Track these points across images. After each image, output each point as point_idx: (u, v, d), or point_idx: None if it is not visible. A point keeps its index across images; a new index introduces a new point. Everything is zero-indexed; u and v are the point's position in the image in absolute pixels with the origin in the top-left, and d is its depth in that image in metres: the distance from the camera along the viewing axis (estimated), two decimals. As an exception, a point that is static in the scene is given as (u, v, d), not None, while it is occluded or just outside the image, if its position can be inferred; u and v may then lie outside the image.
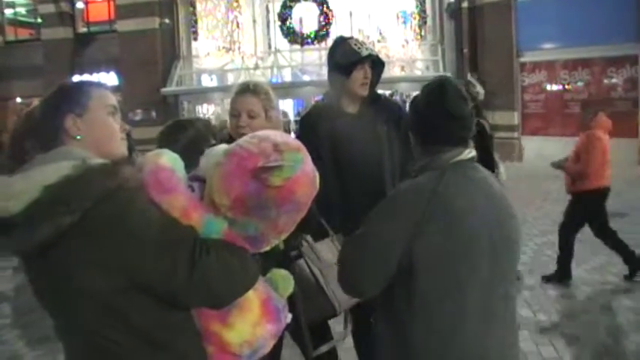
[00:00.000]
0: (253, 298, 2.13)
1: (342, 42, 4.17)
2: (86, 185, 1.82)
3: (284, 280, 2.33)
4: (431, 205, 2.40)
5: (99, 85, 2.15)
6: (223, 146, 2.16)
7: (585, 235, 10.03)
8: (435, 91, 2.61)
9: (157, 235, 1.87)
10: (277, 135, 2.08)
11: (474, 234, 2.45)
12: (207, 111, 26.13)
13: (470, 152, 2.60)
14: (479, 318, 2.47)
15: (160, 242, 1.86)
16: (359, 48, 4.03)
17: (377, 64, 4.15)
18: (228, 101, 3.61)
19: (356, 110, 4.13)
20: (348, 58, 4.04)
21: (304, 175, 2.03)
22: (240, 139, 2.12)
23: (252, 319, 2.12)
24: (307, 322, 3.42)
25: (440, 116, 2.56)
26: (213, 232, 1.99)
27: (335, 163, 3.99)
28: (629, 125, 19.24)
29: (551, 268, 8.15)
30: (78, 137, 2.01)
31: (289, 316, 2.36)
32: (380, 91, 4.40)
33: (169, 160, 2.06)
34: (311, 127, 4.16)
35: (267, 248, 2.13)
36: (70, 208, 1.79)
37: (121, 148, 2.14)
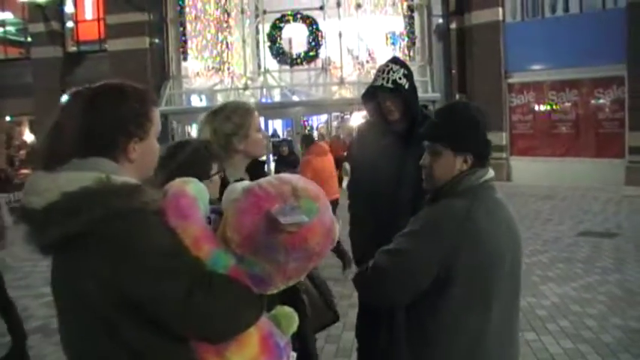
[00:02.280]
0: (253, 332, 2.10)
1: (379, 67, 4.36)
2: (100, 200, 1.84)
3: (287, 317, 2.30)
4: (466, 226, 2.57)
5: (154, 102, 2.14)
6: (246, 182, 2.15)
7: (578, 254, 10.13)
8: (470, 107, 2.81)
9: (159, 261, 1.86)
10: (300, 180, 2.06)
11: (500, 252, 2.64)
12: (196, 131, 26.10)
13: (492, 172, 2.77)
14: (499, 330, 2.65)
15: (160, 269, 1.86)
16: (378, 76, 4.23)
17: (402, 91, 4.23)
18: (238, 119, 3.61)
19: (397, 129, 4.27)
20: (369, 86, 4.34)
21: (320, 224, 1.99)
22: (263, 179, 2.10)
23: (250, 355, 2.08)
24: (313, 332, 3.50)
25: (476, 128, 2.74)
26: (220, 266, 1.98)
27: (367, 175, 4.27)
28: (616, 146, 19.44)
29: (542, 289, 8.20)
30: (132, 159, 2.02)
31: (293, 356, 2.34)
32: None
33: (194, 188, 2.08)
34: (360, 143, 4.58)
35: (274, 291, 2.08)
36: (78, 218, 1.81)
37: (152, 172, 2.17)
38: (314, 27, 24.04)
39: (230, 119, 3.61)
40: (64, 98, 2.03)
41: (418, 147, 4.08)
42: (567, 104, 21.00)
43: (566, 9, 20.85)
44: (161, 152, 2.20)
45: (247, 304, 2.02)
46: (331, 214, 2.07)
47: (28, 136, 26.40)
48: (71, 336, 2.00)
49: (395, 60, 4.39)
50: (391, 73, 4.16)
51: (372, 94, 4.26)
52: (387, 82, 4.14)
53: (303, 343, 3.16)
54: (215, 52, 24.89)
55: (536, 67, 21.58)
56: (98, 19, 26.06)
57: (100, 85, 2.05)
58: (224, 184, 2.91)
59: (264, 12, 24.68)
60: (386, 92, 4.15)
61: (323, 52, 24.36)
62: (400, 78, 4.17)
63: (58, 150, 1.95)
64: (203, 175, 2.96)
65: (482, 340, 2.62)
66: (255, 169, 3.59)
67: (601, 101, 20.35)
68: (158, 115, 2.13)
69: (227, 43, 24.80)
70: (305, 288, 3.36)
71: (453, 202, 2.68)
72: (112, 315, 1.86)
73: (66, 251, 1.87)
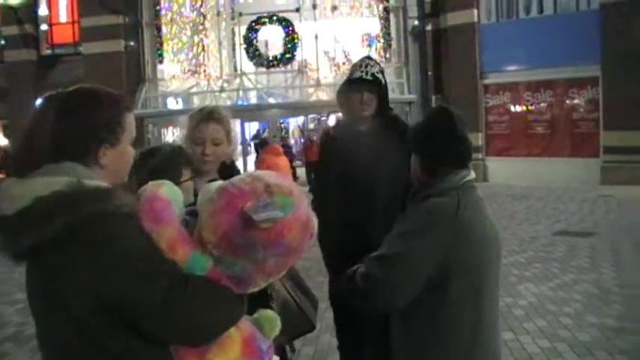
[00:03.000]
0: (235, 335, 2.08)
1: (354, 62, 4.37)
2: (73, 204, 1.82)
3: (270, 320, 2.27)
4: (456, 225, 2.62)
5: (129, 108, 2.11)
6: (219, 182, 2.13)
7: (554, 253, 10.20)
8: (444, 118, 2.81)
9: (133, 265, 1.84)
10: (272, 176, 2.04)
11: (487, 248, 2.74)
12: (172, 134, 26.04)
13: (473, 173, 2.84)
14: (490, 322, 2.74)
15: (134, 273, 1.84)
16: (356, 69, 4.21)
17: (379, 85, 4.25)
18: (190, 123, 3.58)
19: (366, 129, 4.25)
20: (345, 80, 4.32)
21: (295, 219, 1.98)
22: (236, 177, 2.08)
23: (232, 358, 2.07)
24: (289, 340, 3.48)
25: (453, 140, 2.77)
26: (198, 268, 1.96)
27: (340, 176, 4.19)
28: (591, 145, 19.68)
29: (519, 288, 8.24)
30: (103, 165, 2.00)
31: (276, 359, 2.33)
32: None
33: (168, 191, 2.05)
34: (328, 143, 4.51)
35: (254, 290, 2.07)
36: (52, 223, 1.79)
37: (126, 177, 2.16)
38: (290, 29, 24.10)
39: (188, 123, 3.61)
40: (38, 102, 2.02)
41: (394, 143, 4.14)
42: (542, 105, 21.19)
43: (541, 10, 21.05)
44: (134, 158, 2.19)
45: (226, 305, 2.01)
46: (307, 208, 2.06)
47: (1, 140, 26.15)
48: (50, 342, 1.97)
49: (369, 57, 4.45)
50: (369, 67, 4.18)
51: (349, 89, 4.23)
52: (367, 74, 4.14)
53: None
54: (191, 54, 24.89)
55: (511, 68, 21.74)
56: (73, 22, 25.95)
57: (73, 90, 2.03)
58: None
59: (240, 14, 24.72)
60: (365, 85, 4.15)
61: (299, 55, 24.42)
62: (377, 72, 4.20)
63: (31, 155, 1.93)
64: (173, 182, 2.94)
65: (478, 336, 2.66)
66: (229, 172, 3.54)
67: (576, 101, 20.56)
68: (132, 121, 2.10)
69: (203, 45, 24.80)
70: (277, 295, 3.33)
71: (440, 200, 2.70)
72: (91, 319, 1.84)
73: (40, 257, 1.85)
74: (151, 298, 1.84)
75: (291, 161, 16.16)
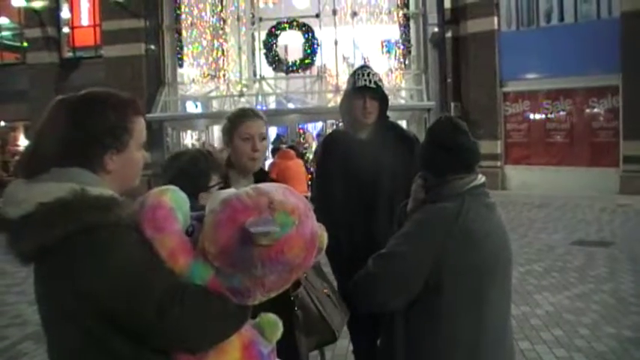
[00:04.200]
0: (235, 341, 2.06)
1: (353, 71, 4.43)
2: (73, 213, 1.83)
3: (271, 324, 2.23)
4: (455, 228, 2.66)
5: (137, 111, 2.11)
6: (228, 191, 2.09)
7: (572, 263, 10.15)
8: (448, 127, 2.89)
9: (132, 275, 1.85)
10: (279, 192, 2.01)
11: (491, 255, 2.74)
12: (191, 137, 26.14)
13: (482, 178, 2.86)
14: (494, 331, 2.74)
15: (133, 283, 1.84)
16: (358, 78, 4.23)
17: (381, 93, 4.28)
18: (216, 128, 3.68)
19: (366, 137, 4.29)
20: (348, 87, 4.34)
21: (298, 236, 1.95)
22: (242, 189, 2.06)
23: None
24: (308, 351, 3.48)
25: (456, 148, 2.82)
26: (198, 278, 1.95)
27: (343, 183, 4.24)
28: (611, 155, 19.53)
29: (536, 298, 8.21)
30: (110, 170, 2.01)
31: None
32: None
33: (172, 198, 2.03)
34: (327, 150, 4.52)
35: (255, 303, 2.05)
36: (53, 231, 1.81)
37: (137, 182, 2.16)
38: (310, 35, 24.05)
39: (227, 119, 3.74)
40: (50, 105, 2.03)
41: (393, 149, 4.17)
42: (562, 113, 21.07)
43: (561, 18, 20.94)
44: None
45: (223, 317, 1.99)
46: (313, 225, 2.03)
47: (23, 142, 26.32)
48: (57, 346, 1.99)
49: (367, 65, 4.53)
50: (371, 75, 4.23)
51: (352, 96, 4.26)
52: (370, 82, 4.18)
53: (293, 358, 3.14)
54: (211, 58, 24.86)
55: (531, 76, 21.67)
56: (94, 25, 26.04)
57: (81, 94, 2.04)
58: None
59: (260, 19, 24.66)
60: (369, 92, 4.19)
61: (318, 60, 24.37)
62: (379, 80, 4.25)
63: (39, 158, 1.95)
64: (201, 187, 2.96)
65: (480, 342, 2.68)
66: (262, 177, 3.63)
67: (595, 110, 20.43)
68: (141, 126, 2.11)
69: (223, 50, 24.76)
70: (302, 303, 3.35)
71: (443, 205, 2.76)
72: (94, 326, 1.86)
73: (44, 262, 1.88)
74: (148, 309, 1.84)
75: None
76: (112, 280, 1.83)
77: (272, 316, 2.27)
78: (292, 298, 3.19)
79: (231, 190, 2.10)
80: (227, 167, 3.42)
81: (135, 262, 1.87)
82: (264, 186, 2.06)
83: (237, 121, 3.67)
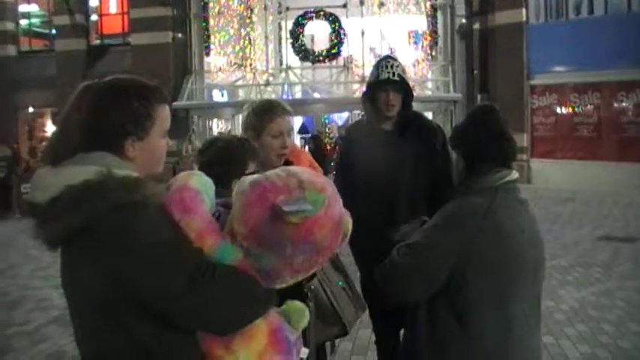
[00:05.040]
0: (262, 326, 2.07)
1: (377, 62, 4.39)
2: (101, 193, 1.85)
3: (297, 312, 2.26)
4: (485, 223, 2.62)
5: (162, 99, 2.11)
6: (255, 175, 2.11)
7: (597, 258, 10.07)
8: (489, 115, 2.84)
9: (158, 253, 1.87)
10: (306, 173, 2.04)
11: (521, 252, 2.70)
12: (217, 126, 26.22)
13: (516, 174, 2.81)
14: (521, 329, 2.70)
15: (159, 261, 1.86)
16: (382, 70, 4.19)
17: (404, 85, 4.25)
18: (240, 117, 3.65)
19: (390, 128, 4.27)
20: (370, 80, 4.30)
21: (327, 217, 1.97)
22: (270, 171, 2.08)
23: (258, 348, 2.06)
24: (319, 343, 3.49)
25: (495, 137, 2.78)
26: (227, 258, 1.97)
27: (365, 174, 4.19)
28: (638, 150, 19.25)
29: (560, 293, 8.16)
30: (132, 157, 2.02)
31: (305, 351, 2.31)
32: None
33: (198, 182, 2.06)
34: (349, 141, 4.54)
35: (283, 285, 2.06)
36: (80, 211, 1.83)
37: (161, 168, 2.17)
38: (336, 24, 24.04)
39: (253, 113, 3.64)
40: (75, 92, 2.04)
41: (414, 140, 4.14)
42: (589, 107, 20.90)
43: (591, 11, 20.76)
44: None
45: (252, 297, 2.01)
46: (341, 208, 2.05)
47: (50, 128, 26.56)
48: (83, 331, 2.01)
49: (391, 57, 4.48)
50: (394, 67, 4.19)
51: (375, 88, 4.23)
52: (393, 75, 4.15)
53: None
54: (238, 47, 24.97)
55: (558, 69, 21.49)
56: (122, 13, 26.23)
57: (107, 80, 2.05)
58: None
59: (287, 9, 24.70)
60: (391, 85, 4.16)
61: (345, 50, 24.35)
62: (402, 72, 4.22)
63: (65, 144, 1.97)
64: (236, 173, 2.94)
65: (505, 348, 2.65)
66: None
67: (624, 104, 20.24)
68: (165, 114, 2.12)
69: (250, 38, 24.86)
70: (315, 295, 3.35)
71: (473, 198, 2.73)
72: (118, 307, 1.87)
73: (71, 245, 1.90)
74: (175, 286, 1.86)
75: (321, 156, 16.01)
76: (142, 254, 1.85)
77: (299, 304, 2.29)
78: (305, 290, 3.20)
79: (258, 174, 2.12)
80: None
81: (165, 237, 1.89)
82: (292, 168, 2.11)
83: (267, 118, 3.60)
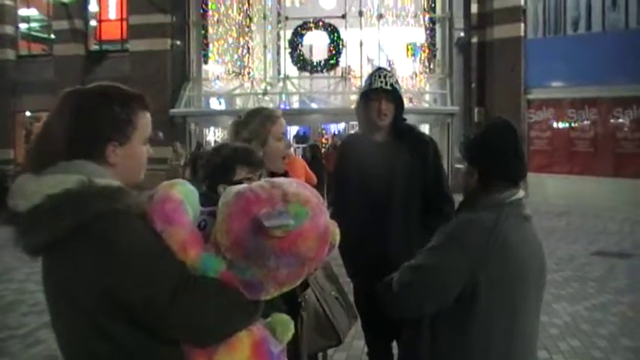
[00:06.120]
0: (245, 337, 2.05)
1: (371, 72, 4.40)
2: (82, 202, 1.84)
3: (282, 324, 2.23)
4: (492, 240, 2.60)
5: (143, 106, 2.12)
6: (240, 186, 2.09)
7: (591, 273, 10.08)
8: (507, 132, 2.80)
9: (143, 263, 1.85)
10: (292, 184, 2.02)
11: (526, 266, 2.70)
12: (214, 134, 26.22)
13: (522, 192, 2.80)
14: (523, 344, 2.73)
15: (144, 271, 1.85)
16: (374, 79, 4.20)
17: (397, 96, 4.25)
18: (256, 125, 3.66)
19: (382, 139, 4.27)
20: (364, 89, 4.30)
21: (311, 229, 1.94)
22: (255, 182, 2.08)
23: (240, 359, 2.04)
24: (313, 352, 3.48)
25: (512, 158, 2.76)
26: (210, 270, 1.95)
27: (358, 186, 4.21)
28: (634, 166, 19.33)
29: (554, 307, 8.16)
30: (112, 163, 2.01)
31: None
32: None
33: (181, 191, 2.03)
34: (343, 153, 4.58)
35: (267, 298, 2.04)
36: (61, 221, 1.82)
37: (141, 176, 2.16)
38: (335, 35, 24.11)
39: (249, 124, 3.64)
40: (58, 98, 2.04)
41: (407, 151, 4.16)
42: (586, 122, 20.95)
43: (589, 27, 20.83)
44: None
45: (235, 309, 1.98)
46: (326, 219, 2.02)
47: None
48: (65, 338, 2.00)
49: (384, 68, 4.54)
50: (387, 77, 4.20)
51: (368, 97, 4.23)
52: (386, 84, 4.16)
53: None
54: (236, 56, 25.01)
55: (556, 84, 21.57)
56: (121, 19, 26.23)
57: (89, 87, 2.06)
58: None
59: (286, 18, 24.80)
60: (384, 94, 4.17)
61: (343, 61, 24.41)
62: (395, 82, 4.22)
63: (46, 151, 1.96)
64: (223, 179, 2.96)
65: (509, 347, 2.66)
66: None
67: (620, 120, 20.29)
68: (147, 120, 2.12)
69: (248, 47, 24.91)
70: (309, 305, 3.35)
71: (480, 214, 2.71)
72: (102, 317, 1.86)
73: (53, 254, 1.89)
74: (159, 297, 1.84)
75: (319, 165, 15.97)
76: (124, 265, 1.83)
77: (284, 317, 2.27)
78: (300, 300, 3.19)
79: (244, 185, 2.10)
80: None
81: (147, 248, 1.88)
82: (277, 179, 2.08)
83: (269, 123, 3.65)
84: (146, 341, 1.91)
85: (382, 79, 4.17)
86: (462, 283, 2.59)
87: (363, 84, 4.45)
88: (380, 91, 4.16)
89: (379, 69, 4.36)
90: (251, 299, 1.99)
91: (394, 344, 4.07)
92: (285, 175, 3.71)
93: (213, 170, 3.01)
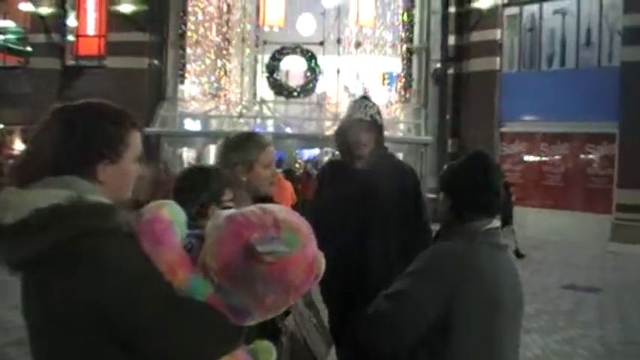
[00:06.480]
0: None
1: (352, 102, 4.49)
2: (70, 218, 1.82)
3: (265, 351, 2.25)
4: (465, 271, 2.62)
5: (134, 124, 2.10)
6: (230, 210, 2.09)
7: (562, 306, 10.16)
8: (481, 166, 2.84)
9: (128, 284, 1.82)
10: (282, 211, 2.02)
11: (501, 295, 2.69)
12: (187, 155, 26.12)
13: (497, 221, 2.83)
14: None
15: (129, 293, 1.82)
16: (355, 110, 4.28)
17: (377, 125, 4.30)
18: (213, 147, 3.68)
19: (362, 167, 4.28)
20: (344, 119, 4.39)
21: (301, 257, 1.94)
22: (247, 207, 2.05)
23: None
24: None
25: (482, 189, 2.79)
26: (197, 293, 1.93)
27: (339, 213, 4.18)
28: (604, 202, 19.58)
29: (525, 339, 8.18)
30: (102, 181, 1.99)
31: None
32: None
33: (170, 212, 2.02)
34: (324, 180, 4.60)
35: (252, 323, 2.02)
36: (48, 236, 1.79)
37: (129, 194, 2.14)
38: (313, 61, 24.23)
39: (239, 149, 3.65)
40: (47, 114, 2.01)
41: (387, 178, 4.18)
42: (558, 157, 21.20)
43: (563, 63, 21.13)
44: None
45: (221, 333, 1.97)
46: (315, 248, 2.02)
47: (19, 146, 26.25)
48: (45, 356, 1.94)
49: (366, 97, 4.60)
50: (368, 108, 4.26)
51: (348, 128, 4.28)
52: (366, 115, 4.21)
53: None
54: (213, 77, 25.00)
55: (529, 117, 21.81)
56: (99, 36, 26.09)
57: (80, 104, 2.04)
58: None
59: (265, 42, 24.86)
60: (364, 125, 4.21)
61: (319, 87, 24.52)
62: (375, 114, 4.27)
63: (34, 166, 1.94)
64: (216, 201, 2.97)
65: None
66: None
67: (591, 156, 20.55)
68: (138, 140, 2.10)
69: (225, 69, 24.92)
70: (289, 332, 3.34)
71: (454, 243, 2.74)
72: (87, 336, 1.83)
73: (37, 270, 1.85)
74: (143, 320, 1.82)
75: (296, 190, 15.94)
76: (111, 284, 1.80)
77: (267, 343, 2.28)
78: (280, 326, 3.19)
79: (231, 210, 2.10)
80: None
81: (135, 268, 1.85)
82: (268, 205, 2.07)
83: (257, 150, 3.65)
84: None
85: (362, 109, 4.23)
86: (435, 311, 2.59)
87: (345, 113, 4.48)
88: (360, 122, 4.21)
89: (361, 98, 4.42)
90: (236, 324, 1.98)
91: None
92: (271, 200, 3.71)
93: (203, 192, 3.01)
